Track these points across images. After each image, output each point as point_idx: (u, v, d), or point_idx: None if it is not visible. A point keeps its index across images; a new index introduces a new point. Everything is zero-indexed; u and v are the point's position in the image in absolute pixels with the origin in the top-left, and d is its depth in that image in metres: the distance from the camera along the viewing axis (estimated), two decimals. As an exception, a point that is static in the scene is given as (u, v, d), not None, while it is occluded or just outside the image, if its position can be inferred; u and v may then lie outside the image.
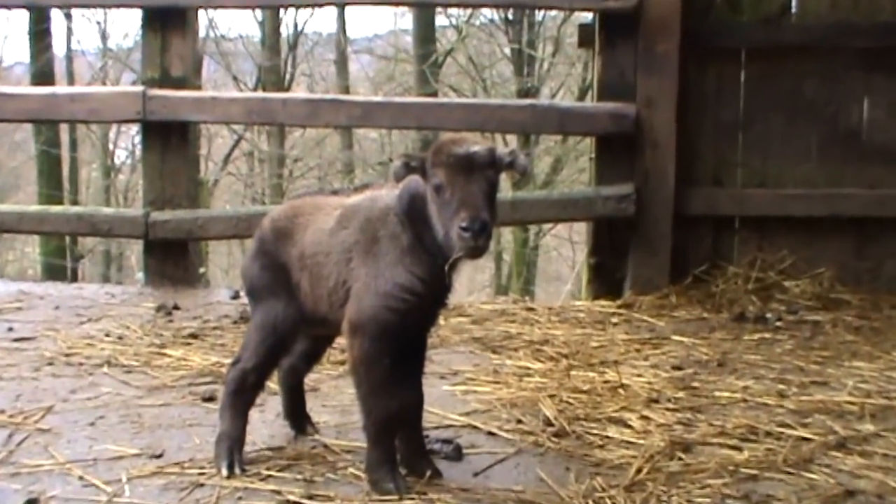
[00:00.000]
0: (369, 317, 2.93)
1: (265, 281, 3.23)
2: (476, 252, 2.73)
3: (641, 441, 3.50)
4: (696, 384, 4.30)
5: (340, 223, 3.08)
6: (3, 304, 5.81)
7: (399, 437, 3.07)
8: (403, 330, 2.96)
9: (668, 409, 3.90)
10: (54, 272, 16.08)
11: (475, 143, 2.83)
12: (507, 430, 3.61)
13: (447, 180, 2.77)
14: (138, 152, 18.30)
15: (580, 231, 16.57)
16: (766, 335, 5.26)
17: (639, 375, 4.39)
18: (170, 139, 6.60)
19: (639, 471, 3.19)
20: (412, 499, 2.90)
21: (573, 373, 4.38)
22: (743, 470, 3.23)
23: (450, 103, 7.45)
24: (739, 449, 3.45)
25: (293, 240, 3.19)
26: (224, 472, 3.09)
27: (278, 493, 2.94)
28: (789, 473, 3.23)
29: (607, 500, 2.95)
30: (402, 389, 3.01)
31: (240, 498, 2.91)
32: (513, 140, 19.13)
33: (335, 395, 4.05)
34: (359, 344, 2.96)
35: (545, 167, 19.99)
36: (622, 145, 6.31)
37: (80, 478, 3.07)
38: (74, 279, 17.08)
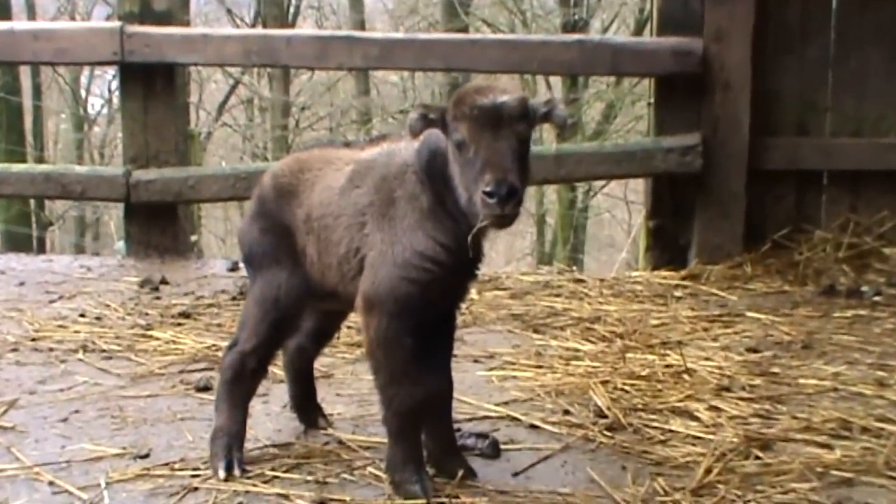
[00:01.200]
0: (386, 290, 2.93)
1: (266, 246, 3.24)
2: (503, 221, 2.72)
3: (711, 436, 3.49)
4: (775, 370, 4.28)
5: (352, 181, 3.08)
6: (-42, 280, 5.87)
7: (425, 432, 3.08)
8: (426, 305, 2.95)
9: (741, 399, 3.89)
10: (17, 242, 16.21)
11: (504, 92, 2.81)
12: (553, 423, 3.61)
13: (470, 136, 2.76)
14: (116, 100, 18.43)
15: (637, 189, 16.52)
16: (862, 312, 5.23)
17: (707, 359, 4.37)
18: (153, 84, 6.62)
19: (708, 471, 3.18)
20: (436, 501, 2.91)
21: (629, 356, 4.37)
22: (834, 472, 3.21)
23: (483, 40, 7.39)
24: (829, 447, 3.43)
25: (298, 199, 3.19)
26: (221, 473, 3.09)
27: (285, 496, 2.96)
28: (891, 478, 3.20)
29: (671, 506, 2.95)
30: (427, 375, 3.00)
31: (240, 503, 2.93)
32: (557, 83, 19.08)
33: (351, 382, 4.06)
34: (375, 322, 2.95)
35: (595, 115, 19.92)
36: (687, 88, 6.27)
37: (51, 483, 3.08)
38: (42, 250, 17.25)
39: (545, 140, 20.11)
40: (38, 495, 3.01)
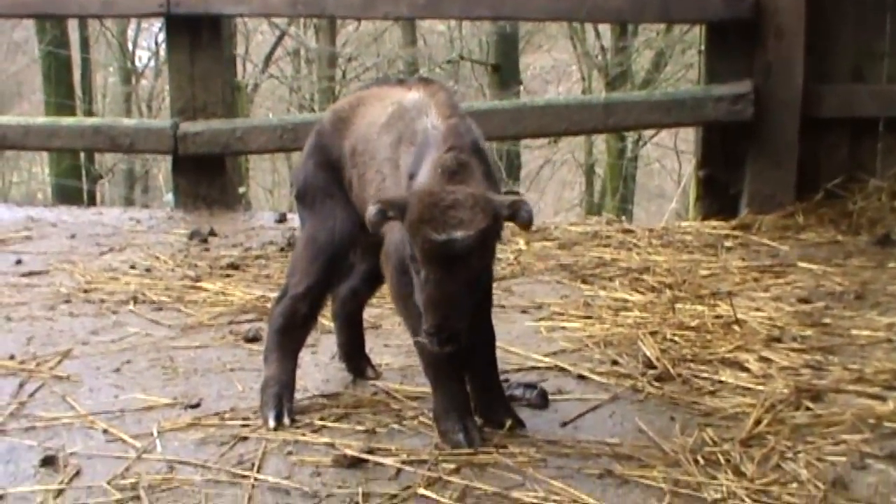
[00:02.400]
0: (394, 246, 2.95)
1: (320, 181, 3.25)
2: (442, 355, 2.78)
3: (761, 387, 3.47)
4: (827, 320, 4.24)
5: (389, 123, 3.05)
6: (9, 233, 5.95)
7: (471, 382, 3.09)
8: None
9: (792, 350, 3.86)
10: (68, 195, 16.34)
11: (460, 224, 2.61)
12: (601, 373, 3.61)
13: (422, 262, 2.68)
14: (163, 53, 18.47)
15: (687, 139, 16.36)
16: (916, 261, 5.16)
17: (757, 310, 4.34)
18: (200, 36, 6.64)
19: (757, 422, 3.17)
20: (488, 452, 2.92)
21: (679, 306, 4.36)
22: (887, 424, 3.17)
23: (530, -13, 7.33)
24: (882, 399, 3.38)
25: (349, 130, 3.19)
26: (271, 423, 3.13)
27: (333, 446, 2.98)
28: (945, 428, 3.17)
29: (719, 456, 2.94)
30: None
31: (289, 452, 2.96)
32: (606, 31, 18.87)
33: (399, 332, 4.07)
34: (389, 276, 3.05)
35: (645, 63, 19.69)
36: (738, 34, 6.18)
37: (105, 431, 3.14)
38: (92, 203, 17.38)
39: (594, 89, 19.95)
40: (93, 443, 3.06)
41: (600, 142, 19.48)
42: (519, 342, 3.91)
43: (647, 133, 18.34)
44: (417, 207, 2.65)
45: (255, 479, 2.79)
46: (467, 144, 2.81)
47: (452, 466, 2.84)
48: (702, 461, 2.90)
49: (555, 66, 23.94)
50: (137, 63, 24.65)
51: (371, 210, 2.73)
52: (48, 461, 2.92)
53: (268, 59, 22.76)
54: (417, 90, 3.08)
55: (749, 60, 6.16)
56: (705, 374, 3.60)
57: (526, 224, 2.71)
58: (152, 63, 24.47)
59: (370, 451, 2.92)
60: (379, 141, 3.05)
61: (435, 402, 3.03)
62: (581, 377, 3.59)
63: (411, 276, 2.82)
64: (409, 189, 2.79)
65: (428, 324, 2.65)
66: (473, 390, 3.11)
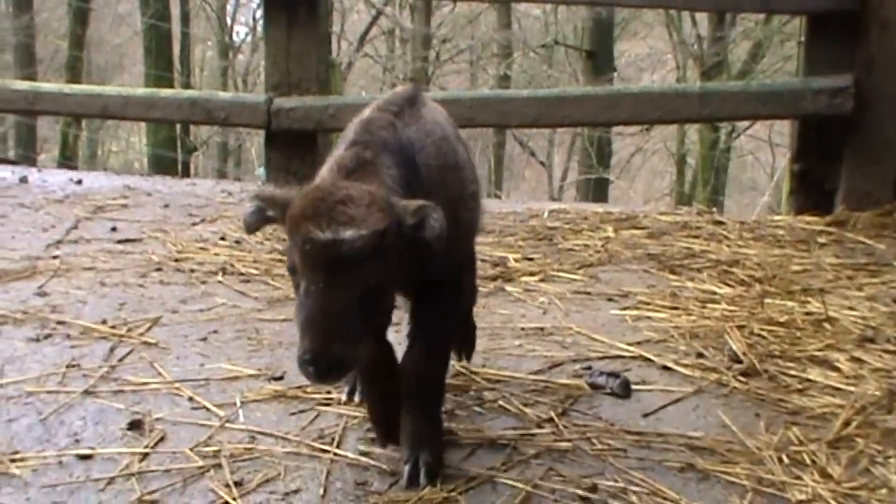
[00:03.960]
0: None
1: None
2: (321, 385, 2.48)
3: (851, 388, 3.38)
4: (923, 322, 4.12)
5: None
6: (107, 200, 6.06)
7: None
8: None
9: (886, 352, 3.75)
10: (163, 165, 16.67)
11: (350, 222, 2.22)
12: (686, 365, 3.56)
13: (301, 269, 2.27)
14: (260, 29, 18.66)
15: (782, 131, 16.10)
16: None
17: (850, 308, 4.24)
18: (297, 13, 6.67)
19: (846, 423, 3.09)
20: (567, 440, 2.90)
21: (768, 301, 4.27)
22: (982, 430, 3.09)
23: (629, -28, 7.26)
24: (977, 404, 3.29)
25: None
26: (356, 398, 3.14)
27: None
28: None
29: (805, 456, 2.88)
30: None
31: (369, 429, 2.95)
32: (703, 19, 18.63)
33: (483, 315, 4.06)
34: None
35: (742, 54, 19.44)
36: (840, 26, 6.03)
37: (190, 399, 3.19)
38: (186, 174, 17.71)
39: (689, 79, 19.70)
40: (179, 410, 3.11)
41: (693, 132, 19.30)
42: (604, 330, 3.87)
43: (742, 124, 18.11)
44: (300, 203, 2.28)
45: (335, 454, 2.80)
46: (378, 142, 2.49)
47: (532, 451, 2.82)
48: (786, 460, 2.84)
49: (650, 54, 23.75)
50: (235, 38, 25.02)
51: (247, 208, 2.41)
52: (135, 425, 2.98)
53: (363, 38, 22.90)
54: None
55: (850, 53, 6.01)
56: (793, 372, 3.52)
57: (433, 239, 2.30)
58: (249, 38, 24.79)
59: (449, 432, 2.92)
60: None
61: None
62: (665, 368, 3.54)
63: None
64: None
65: (302, 349, 2.20)
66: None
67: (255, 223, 2.40)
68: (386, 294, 2.41)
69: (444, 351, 2.84)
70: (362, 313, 2.25)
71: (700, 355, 3.67)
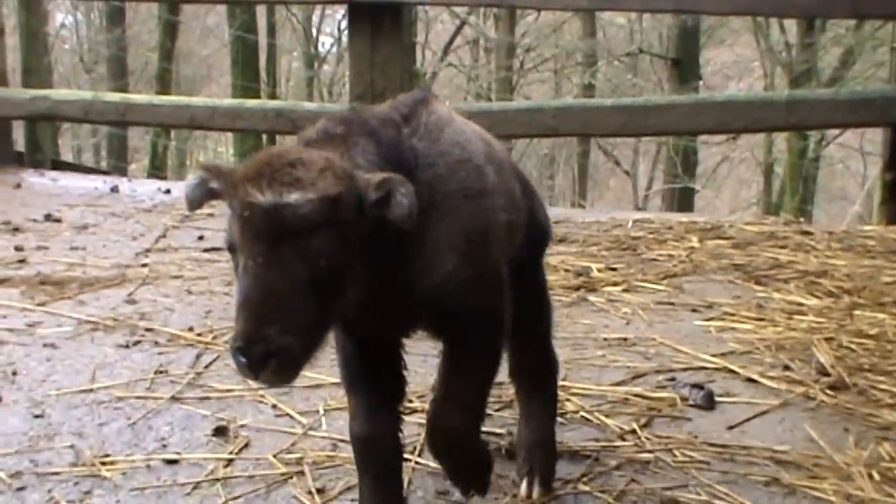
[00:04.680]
0: None
1: None
2: (262, 381, 1.96)
3: (944, 403, 3.31)
4: None
5: None
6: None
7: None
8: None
9: (982, 366, 3.67)
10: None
11: (298, 183, 1.89)
12: (771, 378, 3.50)
13: (240, 243, 1.93)
14: (345, 39, 18.83)
15: (874, 140, 15.77)
16: None
17: (944, 321, 4.15)
18: (381, 23, 6.72)
19: (939, 438, 3.03)
20: (649, 452, 2.88)
21: (857, 313, 4.19)
22: None
23: (715, -20, 7.18)
24: None
25: None
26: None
27: (494, 434, 2.99)
28: None
29: (896, 472, 2.83)
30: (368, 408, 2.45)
31: (451, 438, 2.96)
32: (792, 26, 18.36)
33: (566, 325, 4.05)
34: None
35: (832, 60, 19.08)
36: (935, 31, 5.91)
37: (274, 406, 3.23)
38: (272, 184, 17.86)
39: (777, 86, 19.44)
40: (263, 416, 3.15)
41: (781, 140, 19.00)
42: (687, 341, 3.84)
43: (831, 133, 17.79)
44: (244, 167, 2.00)
45: (416, 463, 2.81)
46: (358, 123, 2.15)
47: (613, 463, 2.80)
48: (877, 477, 2.78)
49: (737, 62, 23.46)
50: (320, 49, 25.24)
51: (189, 180, 2.12)
52: (220, 431, 3.03)
53: (447, 48, 22.97)
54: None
55: (946, 59, 5.89)
56: (884, 386, 3.44)
57: (401, 219, 1.96)
58: (334, 49, 25.01)
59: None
60: None
61: None
62: (750, 380, 3.49)
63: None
64: None
65: (237, 332, 1.87)
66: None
67: (197, 197, 2.11)
68: (342, 291, 1.99)
69: (475, 406, 2.46)
70: (308, 296, 1.90)
71: (786, 368, 3.62)
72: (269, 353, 1.83)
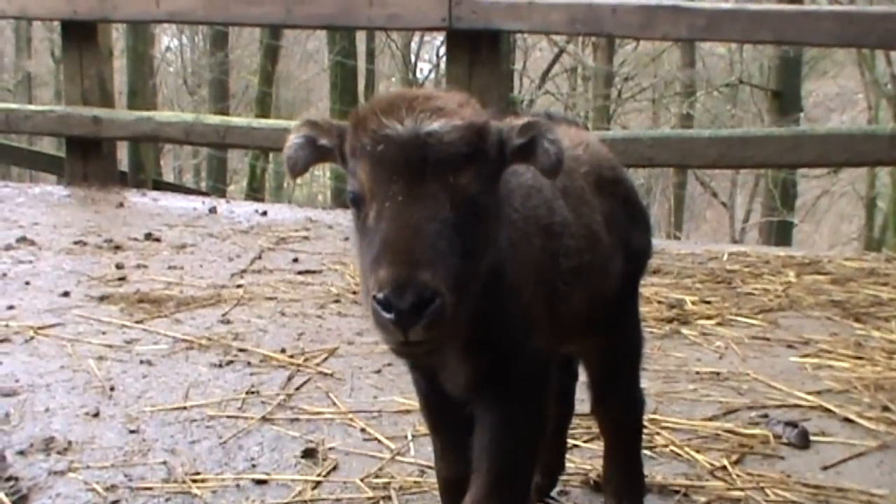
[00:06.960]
0: None
1: None
2: (409, 351, 1.70)
3: None
4: None
5: None
6: (289, 231, 6.25)
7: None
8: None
9: None
10: (345, 199, 17.04)
11: (436, 112, 1.72)
12: (869, 419, 3.42)
13: (371, 189, 1.73)
14: (443, 65, 18.95)
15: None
16: None
17: None
18: (479, 50, 6.75)
19: None
20: (740, 489, 2.83)
21: (962, 354, 4.09)
22: None
23: (817, 12, 7.06)
24: None
25: None
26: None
27: (584, 466, 2.96)
28: None
29: None
30: (451, 448, 2.28)
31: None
32: (898, 58, 17.99)
33: (658, 357, 4.01)
34: None
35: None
36: None
37: (363, 430, 3.24)
38: (368, 208, 18.02)
39: (882, 119, 19.07)
40: (351, 440, 3.17)
41: (885, 174, 18.59)
42: (782, 378, 3.77)
43: (939, 167, 17.38)
44: (369, 106, 1.81)
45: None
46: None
47: (702, 500, 2.76)
48: (979, 524, 2.70)
49: (839, 94, 23.05)
50: (418, 75, 25.42)
51: (291, 140, 1.94)
52: (309, 453, 3.05)
53: (545, 76, 22.99)
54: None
55: None
56: None
57: (549, 167, 1.78)
58: (432, 75, 25.17)
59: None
60: None
61: None
62: (847, 420, 3.42)
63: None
64: None
65: (383, 285, 1.60)
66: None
67: (303, 158, 1.90)
68: (487, 248, 1.76)
69: (519, 484, 2.10)
70: (461, 254, 1.66)
71: (885, 409, 3.53)
72: (423, 300, 1.58)
